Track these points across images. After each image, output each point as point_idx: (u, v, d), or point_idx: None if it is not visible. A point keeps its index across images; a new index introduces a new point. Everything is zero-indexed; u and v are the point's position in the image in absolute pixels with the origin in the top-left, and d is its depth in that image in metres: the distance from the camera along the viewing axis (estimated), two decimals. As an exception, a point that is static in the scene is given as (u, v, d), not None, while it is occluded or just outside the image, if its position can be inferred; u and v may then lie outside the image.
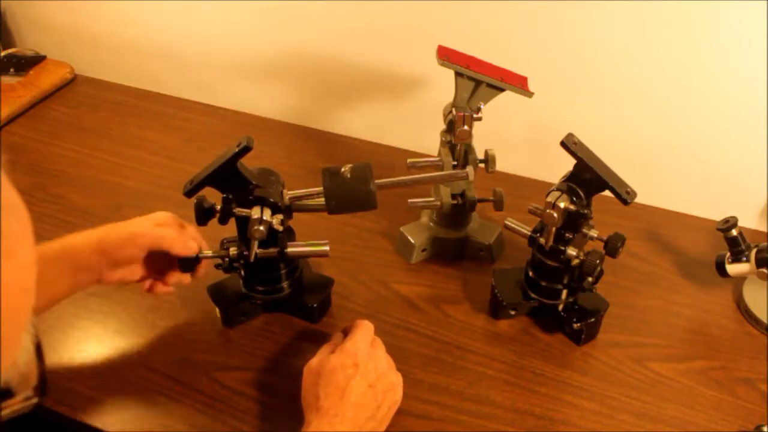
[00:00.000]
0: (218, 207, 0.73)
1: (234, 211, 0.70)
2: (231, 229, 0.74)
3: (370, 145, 1.15)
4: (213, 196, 0.73)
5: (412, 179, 0.75)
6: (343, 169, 0.69)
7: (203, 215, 0.73)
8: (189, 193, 0.71)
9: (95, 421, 0.71)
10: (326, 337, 0.81)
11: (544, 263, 0.76)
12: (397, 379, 0.70)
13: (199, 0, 1.14)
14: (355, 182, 0.69)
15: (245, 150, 0.67)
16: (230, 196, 0.70)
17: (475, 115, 0.79)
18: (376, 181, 0.69)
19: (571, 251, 0.73)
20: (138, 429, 0.71)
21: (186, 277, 0.76)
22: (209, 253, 0.75)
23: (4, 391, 0.39)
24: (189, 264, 0.74)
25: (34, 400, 0.42)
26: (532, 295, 0.79)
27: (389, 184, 0.72)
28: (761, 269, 0.79)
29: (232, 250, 0.74)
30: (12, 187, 0.33)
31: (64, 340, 0.80)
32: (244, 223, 0.71)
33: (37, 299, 0.63)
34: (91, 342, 0.80)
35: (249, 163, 0.71)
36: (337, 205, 0.70)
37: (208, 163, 0.71)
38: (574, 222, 0.71)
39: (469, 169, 0.77)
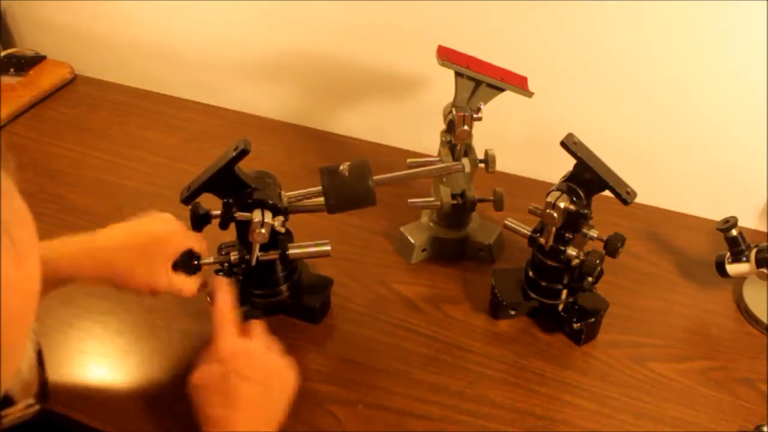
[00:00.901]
0: (213, 213, 0.72)
1: (235, 215, 0.70)
2: (222, 234, 0.73)
3: (370, 145, 1.15)
4: (208, 201, 0.72)
5: (409, 174, 0.75)
6: (341, 168, 0.69)
7: (199, 222, 0.73)
8: (187, 200, 0.71)
9: (95, 421, 0.71)
10: (326, 337, 0.81)
11: (544, 263, 0.76)
12: (278, 361, 0.67)
13: (199, 0, 1.15)
14: (353, 180, 0.69)
15: (243, 154, 0.66)
16: (231, 201, 0.70)
17: (475, 115, 0.79)
18: (375, 178, 0.69)
19: (571, 251, 0.73)
20: (138, 429, 0.71)
21: (193, 287, 0.74)
22: (210, 259, 0.75)
23: (5, 398, 0.39)
24: (189, 268, 0.73)
25: (36, 408, 0.42)
26: (532, 295, 0.79)
27: (387, 180, 0.72)
28: (761, 269, 0.79)
29: (233, 255, 0.74)
30: (20, 198, 0.34)
31: (64, 340, 0.80)
32: (244, 227, 0.71)
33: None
34: (91, 342, 0.80)
35: (248, 164, 0.70)
36: (337, 204, 0.70)
37: (208, 164, 0.71)
38: (574, 222, 0.71)
39: (465, 161, 0.77)
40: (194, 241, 0.73)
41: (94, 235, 0.69)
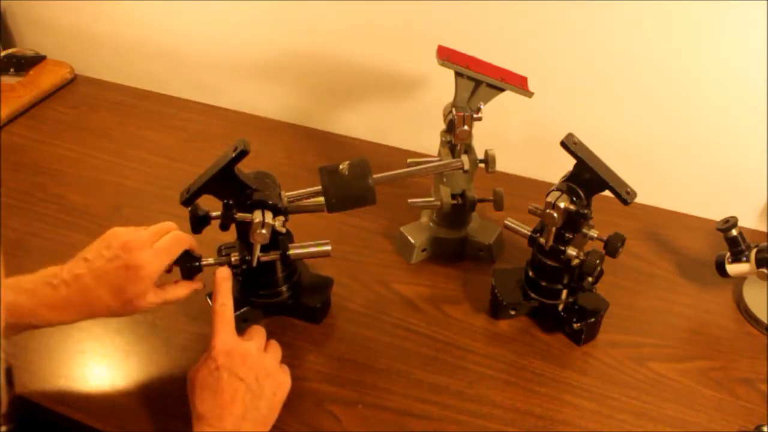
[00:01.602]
0: (212, 214, 0.72)
1: (235, 216, 0.70)
2: (222, 235, 0.73)
3: (370, 145, 1.15)
4: (207, 203, 0.72)
5: (408, 172, 0.76)
6: (341, 167, 0.69)
7: (198, 223, 0.72)
8: (186, 202, 0.70)
9: (95, 421, 0.71)
10: (326, 337, 0.81)
11: (544, 263, 0.76)
12: (272, 363, 0.68)
13: (200, 0, 1.15)
14: (353, 179, 0.69)
15: (242, 154, 0.66)
16: (230, 202, 0.70)
17: (475, 115, 0.79)
18: (374, 176, 0.69)
19: (571, 251, 0.73)
20: (138, 429, 0.71)
21: (183, 291, 0.74)
22: (210, 260, 0.75)
23: None
24: (190, 271, 0.74)
25: (3, 429, 0.41)
26: (532, 295, 0.79)
27: (386, 179, 0.72)
28: (761, 269, 0.79)
29: (233, 256, 0.74)
30: None
31: (64, 340, 0.80)
32: (244, 228, 0.71)
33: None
34: (91, 342, 0.80)
35: (249, 165, 0.70)
36: (337, 203, 0.70)
37: (208, 164, 0.71)
38: (574, 222, 0.71)
39: (464, 157, 0.77)
40: (170, 253, 0.69)
41: (57, 288, 0.65)
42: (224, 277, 0.70)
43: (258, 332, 0.70)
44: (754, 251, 0.80)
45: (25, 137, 1.16)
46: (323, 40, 1.11)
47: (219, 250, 0.77)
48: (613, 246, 0.72)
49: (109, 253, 0.66)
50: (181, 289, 0.72)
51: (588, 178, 0.70)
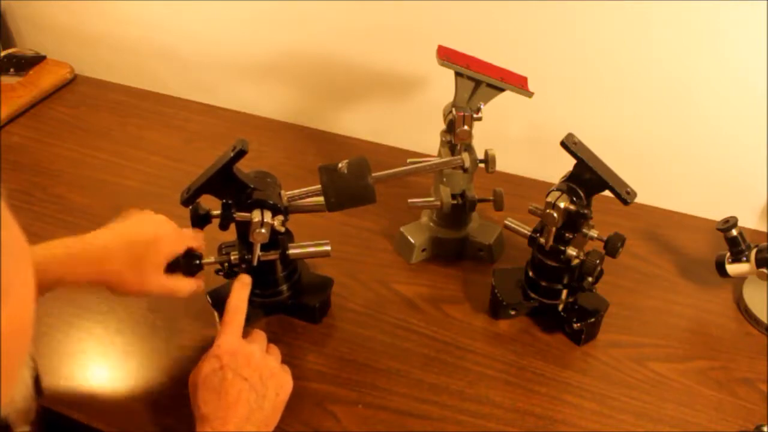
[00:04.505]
0: (213, 213, 0.72)
1: (234, 216, 0.70)
2: (222, 234, 0.73)
3: (370, 145, 1.15)
4: (209, 202, 0.72)
5: (407, 170, 0.76)
6: (339, 166, 0.69)
7: (199, 222, 0.73)
8: (187, 202, 0.71)
9: (95, 421, 0.71)
10: (326, 337, 0.81)
11: (544, 263, 0.76)
12: (274, 364, 0.68)
13: (199, 0, 1.15)
14: (352, 177, 0.69)
15: (241, 154, 0.66)
16: (230, 202, 0.70)
17: (475, 115, 0.79)
18: (373, 174, 0.69)
19: (571, 251, 0.73)
20: (138, 429, 0.71)
21: (188, 286, 0.74)
22: (210, 258, 0.75)
23: (1, 427, 0.38)
24: (191, 268, 0.74)
25: None
26: (532, 295, 0.79)
27: (386, 177, 0.72)
28: (761, 269, 0.79)
29: (233, 255, 0.74)
30: (14, 225, 0.32)
31: (64, 340, 0.80)
32: (244, 227, 0.71)
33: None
34: (91, 342, 0.80)
35: (249, 164, 0.71)
36: (337, 202, 0.70)
37: (208, 164, 0.71)
38: (574, 222, 0.71)
39: (465, 155, 0.77)
40: (189, 241, 0.73)
41: (84, 238, 0.68)
42: (245, 283, 0.71)
43: (259, 335, 0.71)
44: (754, 251, 0.80)
45: (25, 137, 1.16)
46: (323, 40, 1.11)
47: (219, 249, 0.77)
48: (613, 246, 0.72)
49: (135, 220, 0.70)
50: (187, 284, 0.72)
51: (588, 178, 0.70)
